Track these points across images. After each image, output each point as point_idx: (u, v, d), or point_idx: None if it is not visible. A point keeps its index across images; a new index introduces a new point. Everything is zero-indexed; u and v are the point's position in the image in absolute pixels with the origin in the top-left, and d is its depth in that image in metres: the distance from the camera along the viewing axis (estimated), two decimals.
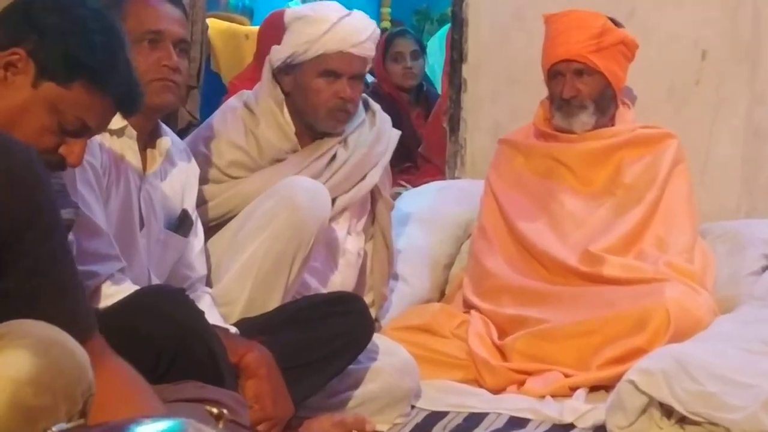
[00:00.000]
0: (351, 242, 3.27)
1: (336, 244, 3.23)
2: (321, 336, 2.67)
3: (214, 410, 1.53)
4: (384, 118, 3.37)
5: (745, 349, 2.91)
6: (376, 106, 3.38)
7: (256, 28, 5.74)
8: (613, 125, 3.59)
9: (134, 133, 2.61)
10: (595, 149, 3.55)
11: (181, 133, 4.08)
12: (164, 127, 2.75)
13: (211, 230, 3.01)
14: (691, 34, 3.94)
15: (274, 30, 5.32)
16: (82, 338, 1.63)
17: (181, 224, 2.73)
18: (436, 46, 6.89)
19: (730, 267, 3.52)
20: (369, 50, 3.17)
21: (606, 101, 3.51)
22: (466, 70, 4.34)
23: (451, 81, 4.47)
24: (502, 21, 4.22)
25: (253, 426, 2.36)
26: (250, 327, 2.67)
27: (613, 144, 3.55)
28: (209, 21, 5.54)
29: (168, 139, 2.71)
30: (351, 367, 2.78)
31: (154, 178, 2.68)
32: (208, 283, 2.87)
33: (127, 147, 2.62)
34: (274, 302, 2.84)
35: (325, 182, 3.11)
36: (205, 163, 3.06)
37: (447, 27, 5.71)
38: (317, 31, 3.10)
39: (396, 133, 3.40)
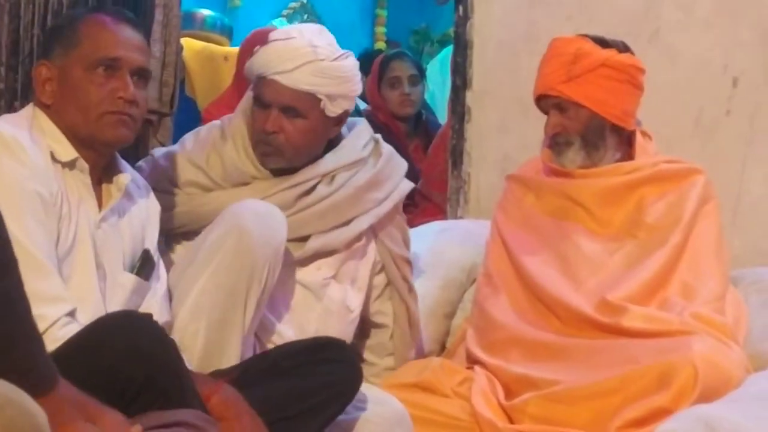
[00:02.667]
0: (335, 290, 3.29)
1: (316, 287, 3.26)
2: (304, 387, 2.66)
3: None
4: (396, 164, 3.41)
5: None
6: (386, 149, 3.40)
7: (236, 48, 5.75)
8: (632, 159, 3.57)
9: (86, 166, 2.63)
10: (613, 186, 3.54)
11: None
12: (122, 162, 2.76)
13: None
14: (721, 58, 3.96)
15: (253, 51, 5.36)
16: (40, 394, 1.61)
17: (142, 266, 2.72)
18: (437, 69, 6.89)
19: (765, 319, 3.50)
20: (303, 82, 3.12)
21: (597, 134, 3.48)
22: (471, 98, 4.36)
23: (453, 109, 4.48)
24: (511, 43, 4.24)
25: None
26: (224, 378, 2.65)
27: (634, 180, 3.53)
28: (184, 41, 5.54)
29: (127, 175, 2.73)
30: (340, 417, 2.76)
31: (111, 215, 2.69)
32: None
33: (80, 181, 2.64)
34: (233, 343, 2.85)
35: (293, 214, 3.14)
36: (163, 173, 3.20)
37: (449, 49, 5.70)
38: (254, 51, 3.21)
39: (407, 185, 3.44)
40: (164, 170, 3.23)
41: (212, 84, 5.86)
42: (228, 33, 6.56)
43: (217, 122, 3.35)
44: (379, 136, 3.44)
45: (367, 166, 3.33)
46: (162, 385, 2.23)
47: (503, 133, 4.24)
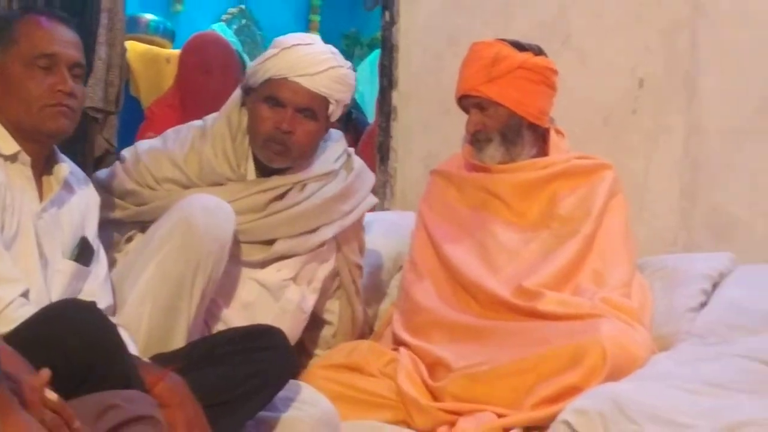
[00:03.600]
0: (293, 292, 3.27)
1: (274, 288, 3.24)
2: (239, 373, 2.63)
3: None
4: (364, 179, 3.44)
5: (683, 389, 2.91)
6: (358, 164, 3.43)
7: (178, 51, 5.72)
8: (546, 155, 3.58)
9: (28, 159, 2.62)
10: (528, 180, 3.55)
11: (98, 161, 4.07)
12: (61, 154, 2.74)
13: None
14: (628, 62, 3.99)
15: (196, 53, 5.35)
16: None
17: (81, 253, 2.70)
18: (367, 71, 6.88)
19: (668, 303, 3.53)
20: (323, 86, 3.15)
21: (514, 131, 3.50)
22: (397, 98, 4.36)
23: (381, 109, 4.48)
24: (435, 47, 4.24)
25: None
26: (165, 362, 2.62)
27: (548, 175, 3.55)
28: (128, 44, 5.51)
29: (66, 166, 2.71)
30: (269, 414, 2.74)
31: (51, 206, 2.66)
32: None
33: (22, 174, 2.62)
34: (179, 330, 2.84)
35: (262, 218, 3.16)
36: (145, 168, 3.20)
37: (377, 52, 5.70)
38: (269, 54, 3.17)
39: (372, 200, 3.47)
40: (146, 165, 3.22)
41: (155, 84, 5.82)
42: (170, 36, 6.51)
43: (198, 122, 3.33)
44: (352, 150, 3.46)
45: (338, 179, 3.34)
46: (105, 371, 2.20)
47: (427, 131, 4.24)
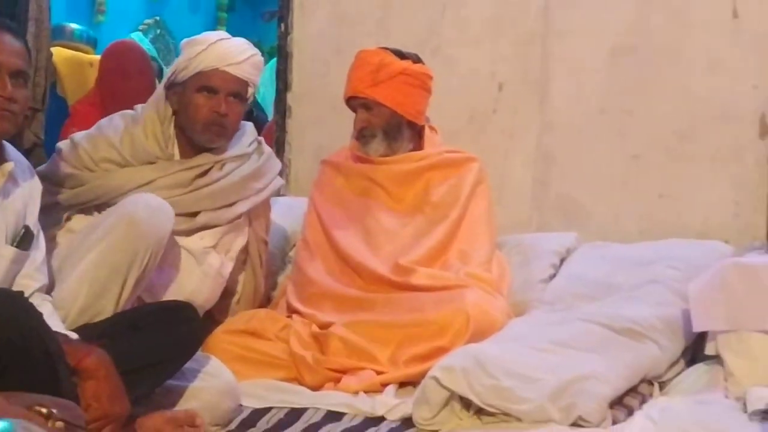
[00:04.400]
0: (214, 258, 3.27)
1: (198, 254, 3.22)
2: (154, 342, 2.61)
3: (43, 410, 1.47)
4: (273, 164, 3.47)
5: (535, 348, 2.96)
6: (267, 150, 3.45)
7: (99, 56, 5.67)
8: (421, 149, 3.61)
9: None
10: (405, 171, 3.57)
11: (27, 153, 4.01)
12: (9, 150, 2.69)
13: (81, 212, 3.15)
14: (489, 68, 4.02)
15: (115, 58, 5.31)
16: None
17: (22, 239, 2.65)
18: (267, 75, 6.85)
19: (523, 275, 3.58)
20: (247, 72, 3.21)
21: (395, 128, 3.52)
22: (291, 98, 4.35)
23: (277, 108, 4.47)
24: (324, 55, 4.24)
25: (92, 423, 2.30)
26: (90, 332, 2.61)
27: (422, 166, 3.57)
28: (55, 49, 5.45)
29: (11, 163, 2.65)
30: (177, 383, 2.73)
31: None
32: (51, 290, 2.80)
33: None
34: (107, 310, 2.79)
35: (188, 192, 3.17)
36: (84, 152, 3.18)
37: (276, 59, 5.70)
38: (197, 50, 3.18)
39: (279, 182, 3.51)
40: (85, 149, 3.20)
41: (79, 85, 5.76)
42: (93, 43, 6.43)
43: (130, 111, 3.33)
44: (261, 138, 3.49)
45: (251, 161, 3.35)
46: (33, 357, 2.16)
47: (317, 127, 4.24)
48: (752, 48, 3.65)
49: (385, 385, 3.09)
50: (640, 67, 3.81)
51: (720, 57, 3.70)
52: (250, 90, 3.27)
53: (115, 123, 3.28)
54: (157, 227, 2.86)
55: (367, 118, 3.49)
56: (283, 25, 4.40)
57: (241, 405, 2.91)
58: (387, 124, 3.50)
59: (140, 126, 3.24)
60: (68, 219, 3.20)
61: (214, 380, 2.82)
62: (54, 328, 2.38)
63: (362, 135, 3.53)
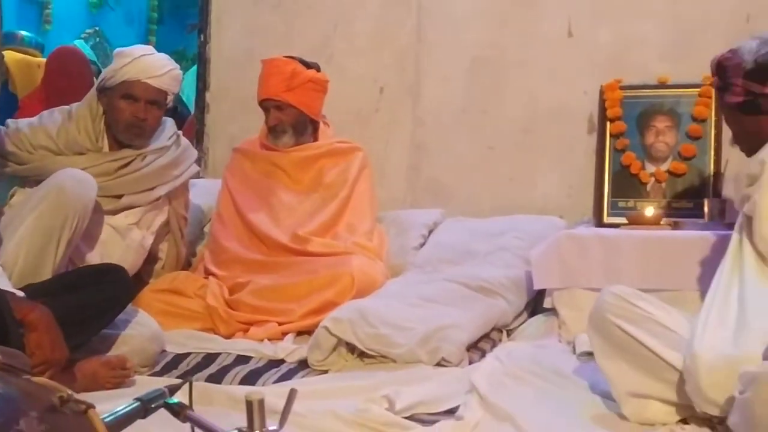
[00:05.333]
0: (136, 233, 3.21)
1: (122, 230, 3.16)
2: (89, 299, 2.55)
3: None
4: (190, 154, 3.41)
5: (407, 303, 2.98)
6: (185, 142, 3.39)
7: (45, 59, 5.53)
8: (317, 140, 3.59)
9: None
10: (303, 157, 3.55)
11: None
12: None
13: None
14: (372, 74, 4.02)
15: (58, 61, 5.19)
16: None
17: None
18: (190, 78, 6.76)
19: (398, 243, 3.60)
20: (166, 84, 3.15)
21: (302, 125, 3.52)
22: (209, 97, 4.30)
23: (197, 104, 4.41)
24: (236, 61, 4.20)
25: (36, 368, 2.23)
26: (34, 291, 2.53)
27: (317, 154, 3.56)
28: (7, 53, 5.29)
29: None
30: (110, 332, 2.68)
31: None
32: None
33: None
34: (46, 269, 2.73)
35: (113, 179, 3.11)
36: (24, 137, 3.12)
37: None
38: (123, 62, 3.11)
39: (195, 168, 3.45)
40: (25, 134, 3.12)
41: (28, 83, 5.59)
42: (41, 48, 6.25)
43: (66, 107, 3.24)
44: (180, 132, 3.42)
45: (170, 152, 3.29)
46: None
47: (231, 121, 4.20)
48: (583, 61, 3.71)
49: (285, 334, 3.09)
50: (494, 75, 3.84)
51: (557, 68, 3.75)
52: (170, 97, 3.21)
53: (54, 116, 3.20)
54: (82, 195, 2.80)
55: (279, 117, 3.47)
56: (202, 36, 4.34)
57: (165, 350, 2.88)
58: (296, 121, 3.49)
59: (74, 122, 3.16)
60: (12, 196, 3.12)
61: (142, 329, 2.78)
62: (2, 287, 2.31)
63: (275, 130, 3.50)
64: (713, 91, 3.39)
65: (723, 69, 2.43)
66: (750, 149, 2.44)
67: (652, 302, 2.31)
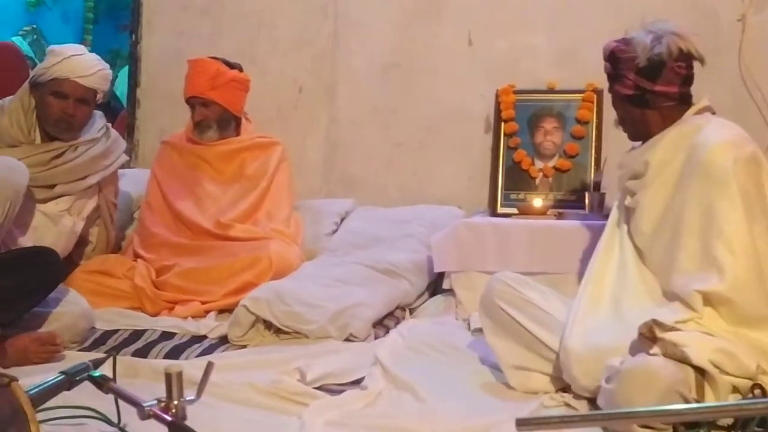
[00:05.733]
0: (68, 219, 3.14)
1: (54, 216, 3.08)
2: (22, 278, 2.50)
3: None
4: (119, 145, 3.34)
5: (320, 284, 2.99)
6: (114, 134, 3.32)
7: None
8: (239, 135, 3.56)
9: None
10: (226, 151, 3.52)
11: None
12: None
13: None
14: (292, 75, 4.00)
15: None
16: None
17: None
18: (125, 75, 6.64)
19: (313, 230, 3.59)
20: (95, 83, 3.09)
21: (226, 121, 3.48)
22: (140, 93, 4.22)
23: (129, 100, 4.33)
24: (165, 60, 4.13)
25: None
26: None
27: (239, 147, 3.53)
28: None
29: None
30: (42, 310, 2.63)
31: None
32: None
33: None
34: None
35: (46, 170, 3.04)
36: None
37: None
38: (55, 60, 3.05)
39: (124, 158, 3.39)
40: None
41: None
42: None
43: (0, 101, 3.15)
44: (110, 125, 3.35)
45: (100, 143, 3.22)
46: None
47: (159, 116, 4.13)
48: (481, 67, 3.75)
49: (207, 312, 3.07)
50: (402, 79, 3.86)
51: (458, 73, 3.79)
52: (99, 95, 3.15)
53: None
54: (15, 182, 2.71)
55: (204, 113, 3.43)
56: (133, 36, 4.26)
57: (94, 327, 2.83)
58: (220, 117, 3.45)
59: (6, 116, 3.08)
60: None
61: (72, 307, 2.73)
62: None
63: (200, 126, 3.46)
64: (594, 96, 3.47)
65: (616, 59, 2.34)
66: (634, 135, 2.42)
67: (534, 288, 2.37)
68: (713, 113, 2.36)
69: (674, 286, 2.13)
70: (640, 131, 2.38)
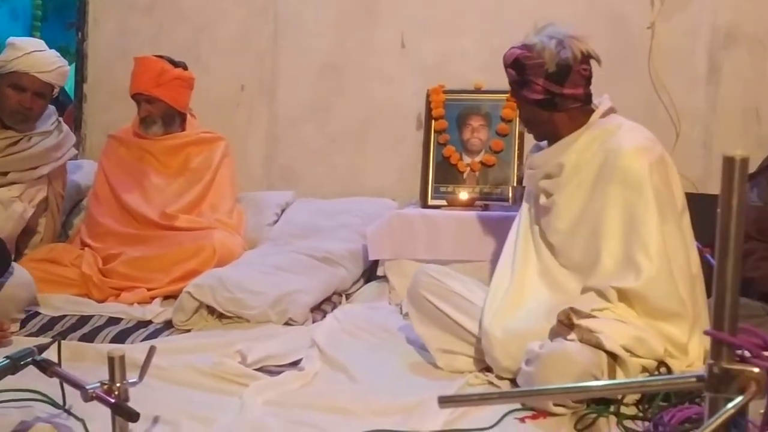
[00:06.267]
0: (18, 205, 3.10)
1: (5, 201, 3.05)
2: None
3: None
4: (70, 138, 3.33)
5: (261, 271, 2.98)
6: (66, 128, 3.31)
7: None
8: (185, 130, 3.51)
9: None
10: (172, 145, 3.47)
11: None
12: None
13: None
14: (235, 74, 3.94)
15: None
16: None
17: None
18: (72, 72, 6.47)
19: (255, 220, 3.56)
20: (53, 79, 3.08)
21: (171, 116, 3.43)
22: (86, 88, 4.13)
23: (76, 94, 4.23)
24: (111, 57, 4.04)
25: None
26: None
27: (184, 142, 3.48)
28: None
29: None
30: None
31: None
32: None
33: None
34: None
35: (1, 158, 3.02)
36: None
37: None
38: (16, 54, 3.03)
39: (74, 151, 3.38)
40: None
41: None
42: None
43: None
44: (61, 118, 3.31)
45: (52, 136, 3.20)
46: None
47: (106, 110, 4.04)
48: (413, 69, 3.76)
49: (153, 298, 3.03)
50: (339, 78, 3.85)
51: (392, 74, 3.79)
52: (56, 90, 3.14)
53: None
54: None
55: (149, 109, 3.38)
56: (80, 33, 4.15)
57: (35, 297, 2.80)
58: (164, 113, 3.40)
59: None
60: None
61: (13, 278, 2.68)
62: None
63: (145, 121, 3.41)
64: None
65: (522, 66, 2.30)
66: (541, 136, 2.42)
67: (456, 278, 2.41)
68: (615, 112, 2.37)
69: (594, 282, 2.15)
70: (548, 132, 2.38)
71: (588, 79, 2.33)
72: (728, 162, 0.89)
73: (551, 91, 2.28)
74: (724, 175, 0.91)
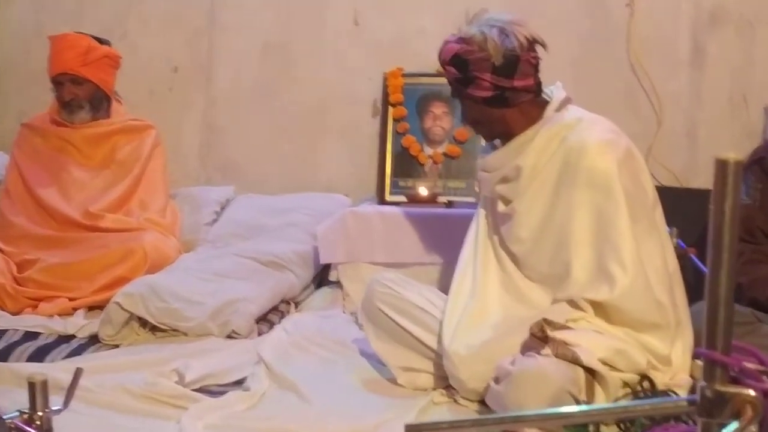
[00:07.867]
0: None
1: None
2: None
3: None
4: None
5: (199, 278, 2.96)
6: None
7: None
8: (110, 117, 3.46)
9: None
10: (95, 134, 3.42)
11: None
12: None
13: None
14: (166, 54, 3.91)
15: None
16: None
17: None
18: None
19: (192, 219, 3.54)
20: None
21: (99, 100, 3.39)
22: None
23: None
24: (24, 36, 3.98)
25: None
26: None
27: (110, 131, 3.43)
28: None
29: None
30: None
31: None
32: None
33: None
34: None
35: None
36: None
37: None
38: None
39: None
40: None
41: None
42: None
43: None
44: None
45: None
46: None
47: (19, 96, 3.97)
48: (368, 50, 3.76)
49: (76, 309, 2.99)
50: (285, 59, 3.83)
51: (345, 55, 3.79)
52: None
53: None
54: None
55: (75, 91, 3.32)
56: None
57: None
58: (92, 97, 3.35)
59: None
60: None
61: None
62: None
63: (70, 105, 3.35)
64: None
65: (464, 62, 2.23)
66: (491, 136, 2.39)
67: (414, 288, 2.41)
68: (571, 101, 2.34)
69: (565, 295, 2.16)
70: (499, 132, 2.33)
71: (536, 68, 2.29)
72: (721, 165, 0.90)
73: (500, 86, 2.23)
74: (716, 180, 0.92)
